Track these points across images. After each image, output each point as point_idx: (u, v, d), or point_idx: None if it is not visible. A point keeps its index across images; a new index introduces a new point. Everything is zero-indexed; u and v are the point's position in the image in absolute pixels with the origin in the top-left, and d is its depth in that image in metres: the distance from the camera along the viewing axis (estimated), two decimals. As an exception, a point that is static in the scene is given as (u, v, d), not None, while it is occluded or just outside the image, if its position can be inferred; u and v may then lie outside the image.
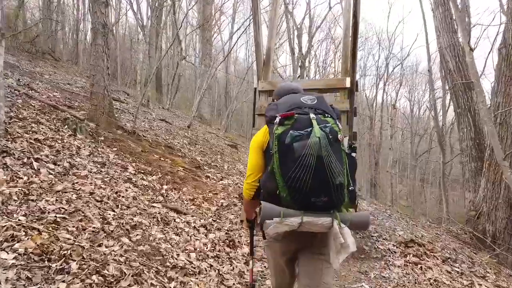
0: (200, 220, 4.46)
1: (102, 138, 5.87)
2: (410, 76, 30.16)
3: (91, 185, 4.09)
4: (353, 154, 1.92)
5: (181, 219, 4.25)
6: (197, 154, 8.37)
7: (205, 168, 7.38)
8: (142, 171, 5.36)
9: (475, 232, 8.67)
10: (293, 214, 1.73)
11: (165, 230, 3.84)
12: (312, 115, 1.83)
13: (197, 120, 18.12)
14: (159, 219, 4.01)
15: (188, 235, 3.90)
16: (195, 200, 5.20)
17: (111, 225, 3.39)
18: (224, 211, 5.15)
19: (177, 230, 3.93)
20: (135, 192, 4.49)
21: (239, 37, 18.37)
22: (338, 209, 1.80)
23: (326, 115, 1.88)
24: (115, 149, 5.72)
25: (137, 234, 3.44)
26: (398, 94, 29.47)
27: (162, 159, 6.37)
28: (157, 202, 4.53)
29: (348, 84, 5.15)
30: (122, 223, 3.51)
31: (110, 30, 18.38)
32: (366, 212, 2.12)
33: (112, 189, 4.23)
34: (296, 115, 1.84)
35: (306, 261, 2.01)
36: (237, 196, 5.62)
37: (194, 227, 4.17)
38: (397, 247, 4.89)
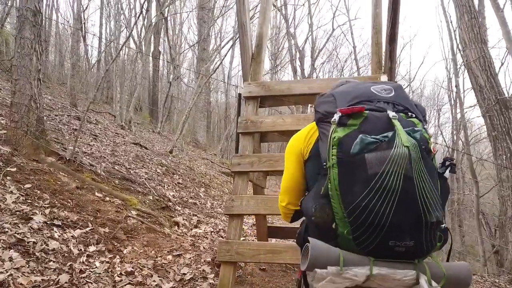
0: (129, 323, 2.46)
1: (14, 169, 3.94)
2: (417, 101, 28.57)
3: None
4: (446, 175, 1.18)
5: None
6: (171, 188, 6.39)
7: (176, 208, 5.39)
8: (60, 222, 3.39)
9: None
10: (358, 261, 1.08)
11: None
12: (391, 113, 1.15)
13: (190, 145, 16.31)
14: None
15: None
16: (139, 271, 3.19)
17: None
18: (184, 291, 3.13)
19: None
20: (14, 270, 2.51)
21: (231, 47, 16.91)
22: (424, 257, 1.13)
23: (410, 114, 1.20)
24: (27, 185, 3.77)
25: None
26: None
27: (107, 199, 4.39)
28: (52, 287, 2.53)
29: (384, 86, 3.25)
30: None
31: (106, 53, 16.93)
32: (464, 264, 1.16)
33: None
34: (367, 111, 1.17)
35: None
36: (210, 260, 3.60)
37: None
38: None
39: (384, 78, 3.21)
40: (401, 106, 1.22)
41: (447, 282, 1.15)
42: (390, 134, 1.10)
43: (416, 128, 1.14)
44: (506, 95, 9.12)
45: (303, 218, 1.39)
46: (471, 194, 11.45)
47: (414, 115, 1.21)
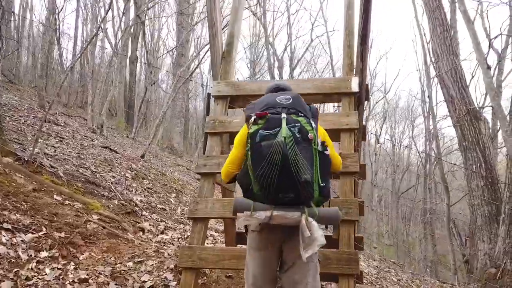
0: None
1: (-37, 169, 3.66)
2: (392, 112, 29.08)
3: None
4: (326, 152, 1.92)
5: None
6: (139, 192, 6.15)
7: (143, 213, 5.16)
8: (10, 226, 3.13)
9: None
10: (263, 208, 1.81)
11: None
12: (283, 115, 1.84)
13: (166, 151, 15.95)
14: None
15: None
16: (94, 279, 2.97)
17: None
18: (143, 300, 2.93)
19: None
20: None
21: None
22: (307, 204, 1.85)
23: (300, 114, 1.88)
24: (-23, 186, 3.50)
25: None
26: (382, 128, 28.16)
27: (66, 202, 4.14)
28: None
29: (355, 87, 3.19)
30: None
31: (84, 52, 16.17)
32: (335, 208, 1.93)
33: None
34: (269, 114, 1.85)
35: (289, 254, 1.95)
36: (174, 267, 3.41)
37: None
38: None
39: (355, 80, 3.14)
40: (294, 109, 1.87)
41: (320, 218, 1.84)
42: (278, 129, 1.78)
43: (296, 124, 1.81)
44: (476, 106, 9.32)
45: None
46: (442, 204, 11.63)
47: (302, 115, 1.86)
